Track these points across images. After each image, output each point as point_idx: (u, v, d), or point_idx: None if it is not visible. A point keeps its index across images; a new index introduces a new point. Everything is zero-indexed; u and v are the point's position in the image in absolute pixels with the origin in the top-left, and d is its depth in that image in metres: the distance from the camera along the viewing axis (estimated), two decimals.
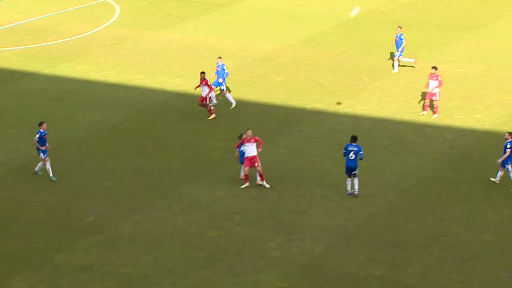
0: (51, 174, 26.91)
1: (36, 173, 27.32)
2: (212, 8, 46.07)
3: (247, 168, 26.53)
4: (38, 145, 26.87)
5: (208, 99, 32.05)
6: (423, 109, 32.87)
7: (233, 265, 22.59)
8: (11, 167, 28.11)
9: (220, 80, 33.27)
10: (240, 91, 35.16)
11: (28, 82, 35.79)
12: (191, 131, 31.18)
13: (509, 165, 26.80)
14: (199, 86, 32.32)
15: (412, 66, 37.17)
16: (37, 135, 26.89)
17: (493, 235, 24.07)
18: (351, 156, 26.02)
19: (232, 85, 35.58)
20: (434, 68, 32.57)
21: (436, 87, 32.24)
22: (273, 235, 24.08)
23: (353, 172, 26.15)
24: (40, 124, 27.04)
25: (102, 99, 34.32)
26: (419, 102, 33.74)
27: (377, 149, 29.89)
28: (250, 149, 26.55)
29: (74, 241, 23.66)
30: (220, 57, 33.78)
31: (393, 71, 37.00)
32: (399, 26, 37.36)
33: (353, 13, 30.07)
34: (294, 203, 25.91)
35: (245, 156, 26.58)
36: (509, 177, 26.80)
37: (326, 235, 24.10)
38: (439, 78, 32.22)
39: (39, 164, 27.29)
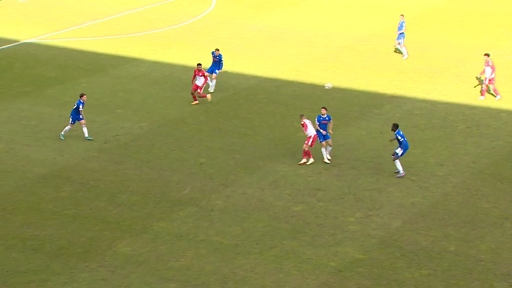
0: (86, 135, 28.38)
1: (60, 136, 28.48)
2: None
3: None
4: (81, 112, 28.23)
5: (201, 89, 31.52)
6: (482, 94, 32.12)
7: (315, 237, 22.49)
8: (118, 143, 28.70)
9: (217, 71, 32.82)
10: (324, 77, 34.80)
11: (133, 67, 36.40)
12: (278, 113, 31.10)
13: None
14: (195, 77, 31.39)
15: (401, 53, 36.10)
16: (81, 105, 28.24)
17: None
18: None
19: (317, 71, 35.31)
20: (487, 55, 31.92)
21: (491, 73, 31.52)
22: (352, 210, 23.86)
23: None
24: (81, 96, 28.43)
25: None
26: (486, 91, 32.66)
27: (453, 132, 29.21)
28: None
29: (172, 211, 24.00)
30: (217, 49, 33.24)
31: (404, 57, 35.97)
32: (402, 14, 36.47)
33: (326, 87, 29.75)
34: (373, 182, 25.58)
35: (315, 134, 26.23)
36: None
37: (402, 211, 23.73)
38: (490, 64, 31.61)
39: (67, 128, 28.39)
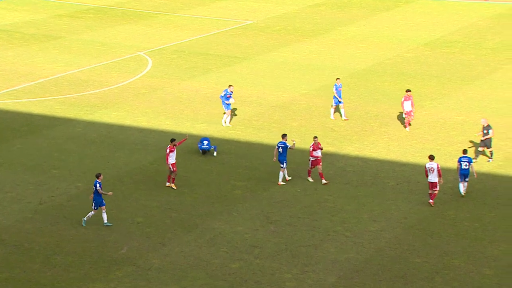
0: (105, 221, 26.31)
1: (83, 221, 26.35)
2: (235, 61, 46.44)
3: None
4: (102, 192, 26.20)
5: (173, 167, 28.93)
6: (405, 126, 34.81)
7: None
8: (53, 203, 28.19)
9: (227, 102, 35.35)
10: (259, 135, 35.24)
11: (69, 128, 36.06)
12: (215, 172, 31.20)
13: None
14: (169, 155, 28.98)
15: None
16: (98, 185, 26.18)
17: (492, 269, 23.75)
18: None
19: (252, 130, 35.65)
20: (409, 90, 35.11)
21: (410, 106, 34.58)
22: (289, 266, 23.90)
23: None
24: (98, 176, 26.37)
25: (135, 142, 34.49)
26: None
27: (384, 188, 29.73)
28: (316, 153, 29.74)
29: (108, 271, 23.58)
30: (231, 85, 35.92)
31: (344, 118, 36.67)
32: (338, 78, 37.27)
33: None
34: (309, 238, 25.75)
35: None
36: None
37: (338, 267, 23.90)
38: (411, 99, 34.78)
39: (90, 213, 26.37)
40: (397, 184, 30.23)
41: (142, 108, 38.79)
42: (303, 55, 47.66)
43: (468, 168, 28.83)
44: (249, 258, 24.44)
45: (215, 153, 32.70)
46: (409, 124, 35.37)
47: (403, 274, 23.49)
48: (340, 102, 36.86)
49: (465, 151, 29.34)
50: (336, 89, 36.86)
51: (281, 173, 30.08)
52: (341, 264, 24.03)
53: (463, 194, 28.89)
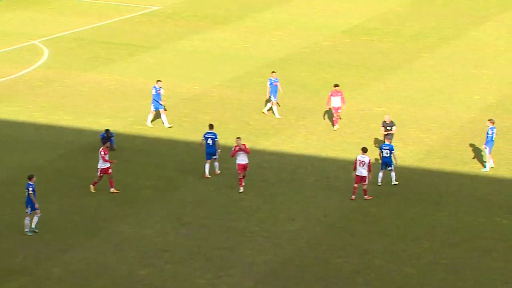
0: (33, 226, 25.77)
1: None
2: (140, 50, 45.98)
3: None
4: (33, 199, 25.63)
5: (102, 171, 28.57)
6: (333, 124, 35.02)
7: None
8: None
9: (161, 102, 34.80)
10: (169, 130, 35.00)
11: None
12: (121, 170, 30.82)
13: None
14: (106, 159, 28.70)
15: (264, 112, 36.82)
16: (31, 188, 25.68)
17: (414, 268, 24.42)
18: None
19: (161, 125, 35.38)
20: (337, 85, 35.36)
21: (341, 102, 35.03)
22: (202, 271, 23.90)
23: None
24: (30, 178, 25.83)
25: (30, 140, 33.69)
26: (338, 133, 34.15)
27: (303, 185, 30.08)
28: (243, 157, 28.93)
29: (1, 283, 22.95)
30: (159, 80, 35.33)
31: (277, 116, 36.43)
32: (274, 71, 37.15)
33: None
34: (224, 239, 25.81)
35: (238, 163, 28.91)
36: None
37: (255, 270, 24.05)
38: (341, 95, 35.15)
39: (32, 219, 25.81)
40: (316, 180, 30.66)
41: (38, 102, 37.93)
42: (215, 43, 47.66)
43: (390, 156, 29.64)
44: (159, 263, 24.29)
45: (114, 145, 32.21)
46: (336, 123, 35.30)
47: (323, 275, 23.85)
48: (273, 98, 36.31)
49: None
50: (271, 84, 36.69)
51: (207, 166, 30.14)
52: (258, 267, 24.21)
53: (380, 183, 29.70)
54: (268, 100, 36.91)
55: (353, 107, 37.85)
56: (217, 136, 30.60)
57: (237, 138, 29.60)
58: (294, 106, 38.19)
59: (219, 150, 30.69)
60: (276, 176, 30.81)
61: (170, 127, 35.08)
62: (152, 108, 35.38)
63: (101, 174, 28.73)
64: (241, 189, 29.05)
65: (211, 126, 30.97)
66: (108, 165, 28.69)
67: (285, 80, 41.84)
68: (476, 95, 40.46)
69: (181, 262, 24.39)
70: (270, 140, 34.34)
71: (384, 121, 32.79)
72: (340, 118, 35.60)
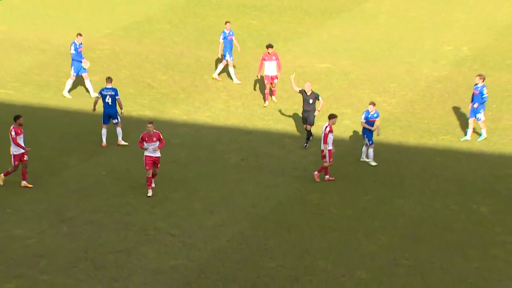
0: None
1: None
2: None
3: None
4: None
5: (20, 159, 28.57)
6: (265, 99, 34.39)
7: None
8: None
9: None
10: (43, 95, 34.75)
11: None
12: None
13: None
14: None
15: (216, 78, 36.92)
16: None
17: (369, 272, 24.66)
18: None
19: (33, 87, 35.05)
20: (270, 46, 33.82)
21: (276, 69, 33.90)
22: (91, 283, 23.74)
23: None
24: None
25: None
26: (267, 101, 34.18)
27: (225, 166, 30.14)
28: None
29: None
30: (79, 34, 34.48)
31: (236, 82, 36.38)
32: (228, 21, 36.61)
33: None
34: (119, 240, 25.69)
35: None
36: None
37: (160, 279, 24.01)
38: (277, 59, 33.90)
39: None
40: (242, 160, 30.72)
41: None
42: None
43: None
44: (33, 273, 24.05)
45: None
46: (273, 94, 34.39)
47: (252, 284, 23.97)
48: (229, 57, 35.75)
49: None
50: (224, 38, 35.67)
51: (104, 131, 30.39)
52: (166, 275, 24.18)
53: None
54: (221, 60, 36.34)
55: (288, 63, 38.04)
56: (118, 93, 30.42)
57: (149, 123, 27.62)
58: (211, 61, 38.18)
59: (122, 111, 30.51)
60: (188, 155, 30.81)
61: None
62: (73, 72, 34.20)
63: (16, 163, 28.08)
64: (150, 193, 28.04)
65: (109, 80, 30.72)
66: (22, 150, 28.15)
67: (198, 29, 41.61)
68: (446, 46, 41.03)
69: (61, 271, 24.19)
70: (180, 108, 34.24)
71: (304, 91, 31.09)
72: (275, 90, 34.74)
